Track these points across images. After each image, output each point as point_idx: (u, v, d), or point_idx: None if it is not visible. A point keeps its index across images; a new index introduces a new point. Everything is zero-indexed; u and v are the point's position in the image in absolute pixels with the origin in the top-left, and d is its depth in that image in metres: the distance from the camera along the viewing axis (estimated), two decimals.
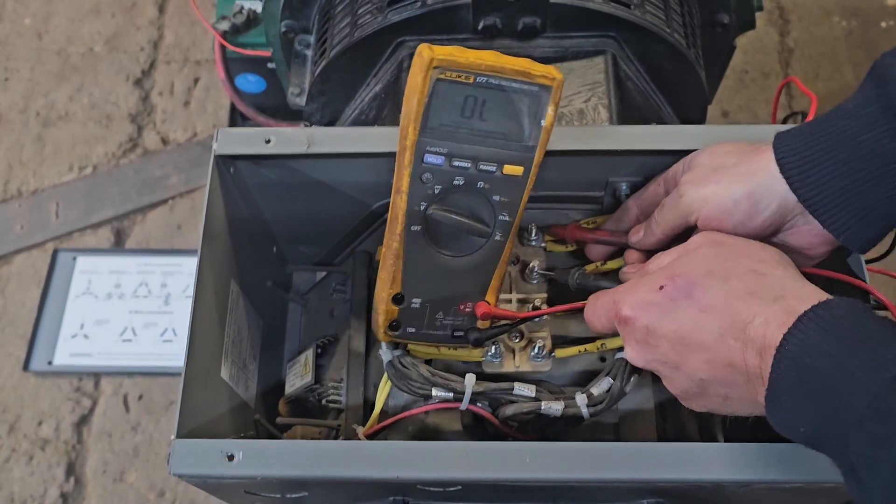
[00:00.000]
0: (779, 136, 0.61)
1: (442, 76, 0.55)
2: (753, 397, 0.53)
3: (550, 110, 0.58)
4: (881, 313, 0.66)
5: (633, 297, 0.58)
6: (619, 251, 0.73)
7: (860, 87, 0.59)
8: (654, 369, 0.59)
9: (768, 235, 0.63)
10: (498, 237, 0.63)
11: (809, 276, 0.65)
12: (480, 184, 0.60)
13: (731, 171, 0.62)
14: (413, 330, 0.66)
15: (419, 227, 0.61)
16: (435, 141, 0.57)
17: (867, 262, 0.68)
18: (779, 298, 0.52)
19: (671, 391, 0.60)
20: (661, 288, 0.56)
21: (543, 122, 0.58)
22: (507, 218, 0.62)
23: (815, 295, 0.52)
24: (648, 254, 0.68)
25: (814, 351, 0.48)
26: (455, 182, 0.59)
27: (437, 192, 0.59)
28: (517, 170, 0.60)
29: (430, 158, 0.58)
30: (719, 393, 0.56)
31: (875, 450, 0.45)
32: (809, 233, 0.61)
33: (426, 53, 0.54)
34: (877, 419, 0.45)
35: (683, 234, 0.67)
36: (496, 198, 0.61)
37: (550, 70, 0.57)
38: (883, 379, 0.45)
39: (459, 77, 0.55)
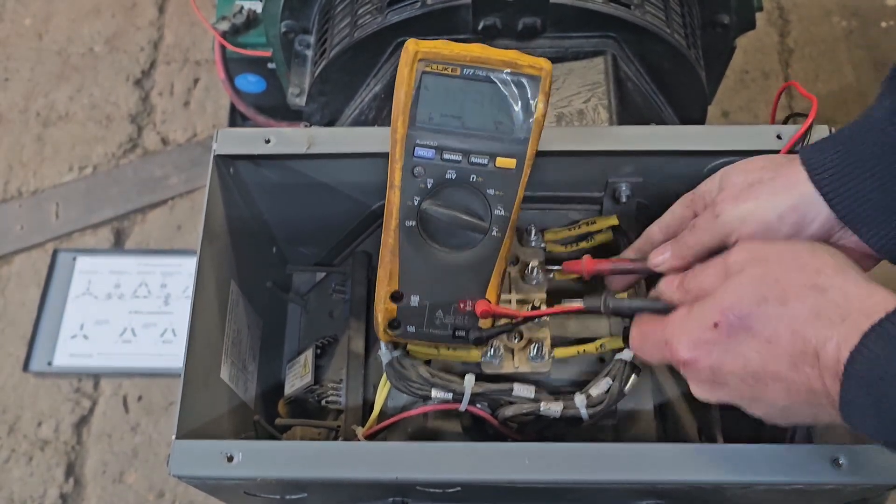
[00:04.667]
0: (805, 150, 0.59)
1: (428, 69, 0.55)
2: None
3: (540, 101, 0.58)
4: None
5: (688, 337, 0.54)
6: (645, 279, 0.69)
7: (883, 94, 0.57)
8: (730, 403, 0.56)
9: None
10: (495, 232, 0.63)
11: None
12: (473, 177, 0.60)
13: (769, 184, 0.59)
14: (413, 329, 0.66)
15: (413, 223, 0.61)
16: (424, 134, 0.58)
17: None
18: (846, 317, 0.48)
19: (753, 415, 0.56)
20: (716, 325, 0.52)
21: (534, 114, 0.58)
22: (502, 212, 0.62)
23: (882, 305, 0.48)
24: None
25: (883, 372, 0.45)
26: (447, 176, 0.59)
27: (429, 186, 0.60)
28: (510, 162, 0.60)
29: (420, 152, 0.58)
30: (805, 413, 0.53)
31: None
32: (856, 244, 0.58)
33: (411, 47, 0.55)
34: None
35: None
36: (490, 191, 0.61)
37: (538, 61, 0.57)
38: None
39: (446, 70, 0.55)
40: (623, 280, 0.68)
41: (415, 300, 0.64)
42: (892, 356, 0.45)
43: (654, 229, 0.67)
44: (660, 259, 0.64)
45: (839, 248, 0.57)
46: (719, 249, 0.60)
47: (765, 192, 0.59)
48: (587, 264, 0.67)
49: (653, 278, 0.64)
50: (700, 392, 0.56)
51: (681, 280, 0.59)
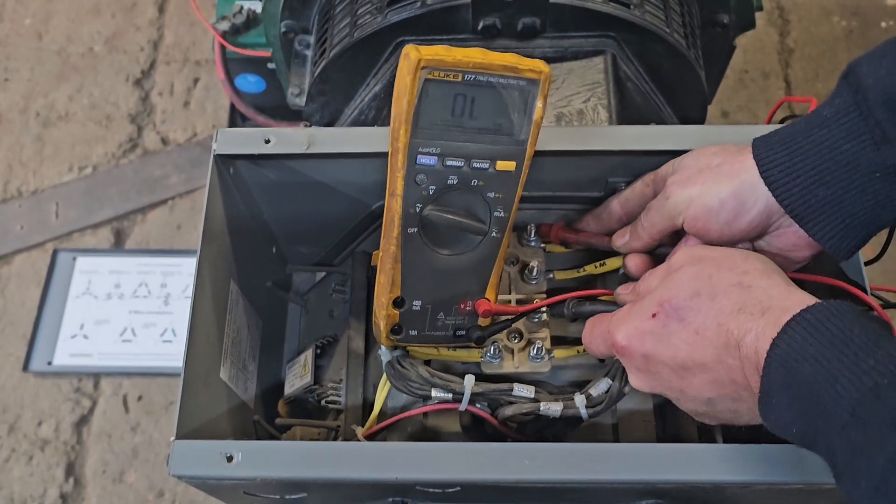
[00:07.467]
0: (757, 143, 0.61)
1: (430, 76, 0.55)
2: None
3: (539, 103, 0.58)
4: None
5: (627, 326, 0.58)
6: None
7: (835, 93, 0.59)
8: (661, 393, 0.59)
9: (754, 237, 0.63)
10: (494, 233, 0.63)
11: (807, 284, 0.65)
12: (474, 181, 0.60)
13: (715, 171, 0.62)
14: (415, 332, 0.66)
15: (415, 229, 0.61)
16: (427, 141, 0.57)
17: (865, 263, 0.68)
18: (766, 311, 0.52)
19: (684, 410, 0.60)
20: (654, 315, 0.56)
21: (533, 116, 0.58)
22: (502, 214, 0.62)
23: (801, 301, 0.51)
24: (654, 262, 0.68)
25: (799, 355, 0.48)
26: (449, 181, 0.59)
27: (431, 192, 0.59)
28: (510, 165, 0.60)
29: (422, 159, 0.58)
30: (728, 408, 0.56)
31: (856, 459, 0.45)
32: (795, 235, 0.61)
33: (413, 55, 0.54)
34: (857, 427, 0.45)
35: (670, 237, 0.67)
36: (491, 194, 0.61)
37: (537, 64, 0.57)
38: (864, 386, 0.45)
39: (447, 76, 0.55)
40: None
41: (416, 304, 0.64)
42: (808, 340, 0.48)
43: (614, 201, 0.72)
44: (621, 241, 0.70)
45: (778, 237, 0.62)
46: (670, 231, 0.66)
47: (710, 178, 0.62)
48: (556, 231, 0.74)
49: None
50: (635, 381, 0.60)
51: (634, 285, 0.63)
